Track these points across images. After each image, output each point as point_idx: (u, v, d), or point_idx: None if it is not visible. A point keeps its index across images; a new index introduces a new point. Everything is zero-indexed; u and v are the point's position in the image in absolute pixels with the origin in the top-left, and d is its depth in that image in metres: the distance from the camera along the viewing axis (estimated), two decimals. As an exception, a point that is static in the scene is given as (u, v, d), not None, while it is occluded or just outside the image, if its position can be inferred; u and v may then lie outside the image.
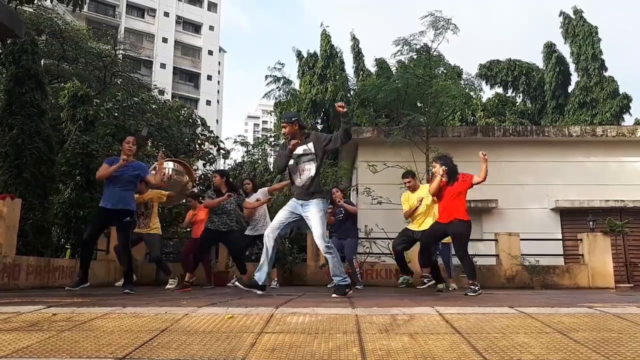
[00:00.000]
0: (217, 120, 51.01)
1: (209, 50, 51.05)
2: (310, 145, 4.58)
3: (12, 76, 9.05)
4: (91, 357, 2.02)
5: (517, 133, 13.39)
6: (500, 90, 24.70)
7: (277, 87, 20.39)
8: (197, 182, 11.97)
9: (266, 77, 20.23)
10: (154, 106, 14.30)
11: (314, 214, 4.46)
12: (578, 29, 22.36)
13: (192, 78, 50.23)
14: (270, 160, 22.26)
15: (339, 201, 7.51)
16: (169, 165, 7.81)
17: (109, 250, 8.55)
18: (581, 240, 9.95)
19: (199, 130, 14.74)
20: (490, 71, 24.57)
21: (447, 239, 6.09)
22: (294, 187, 4.67)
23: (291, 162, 4.61)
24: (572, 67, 22.97)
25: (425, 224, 6.12)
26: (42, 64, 11.39)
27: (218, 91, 55.47)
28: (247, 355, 2.04)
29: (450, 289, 7.08)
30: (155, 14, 47.61)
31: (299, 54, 22.75)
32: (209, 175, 12.52)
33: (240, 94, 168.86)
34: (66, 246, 9.93)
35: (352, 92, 18.92)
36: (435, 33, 12.16)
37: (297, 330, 2.41)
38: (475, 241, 11.70)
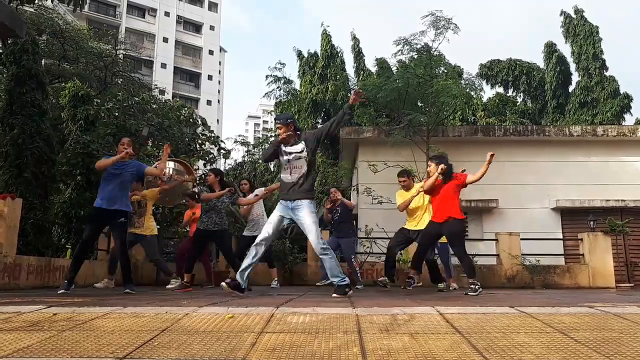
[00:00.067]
0: (217, 120, 51.03)
1: (209, 50, 51.06)
2: (302, 144, 4.60)
3: (13, 76, 9.05)
4: (92, 357, 2.02)
5: (518, 133, 13.38)
6: (500, 89, 24.69)
7: (278, 87, 20.38)
8: (197, 181, 11.97)
9: (267, 76, 20.21)
10: (154, 106, 14.30)
11: (306, 215, 4.45)
12: (579, 29, 22.33)
13: (193, 78, 50.24)
14: (271, 160, 22.18)
15: (339, 199, 7.55)
16: (170, 165, 7.81)
17: (109, 250, 8.54)
18: (582, 240, 9.95)
19: (199, 130, 14.74)
20: (491, 71, 24.54)
21: (445, 238, 6.09)
22: (283, 184, 4.66)
23: (283, 158, 4.63)
24: (572, 66, 22.95)
25: (422, 223, 6.13)
26: (42, 63, 11.38)
27: (219, 91, 55.49)
28: (247, 355, 2.04)
29: (451, 288, 7.08)
30: (156, 13, 47.62)
31: (299, 54, 22.74)
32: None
33: (241, 94, 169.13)
34: (67, 246, 9.93)
35: (352, 92, 18.89)
36: (436, 33, 12.18)
37: (297, 330, 2.41)
38: (476, 241, 11.73)
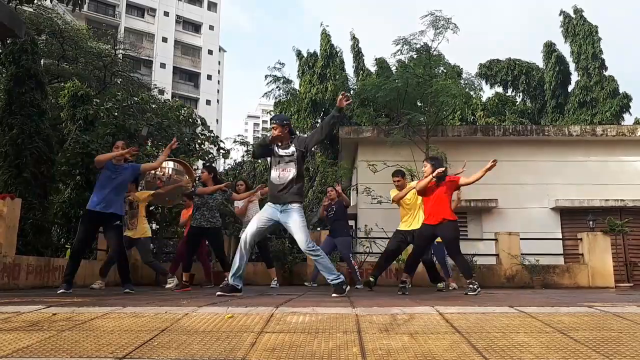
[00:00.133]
0: (217, 120, 51.02)
1: (208, 50, 51.04)
2: (293, 148, 4.62)
3: (12, 76, 9.05)
4: (91, 357, 2.02)
5: (517, 132, 13.39)
6: (500, 89, 24.71)
7: (277, 87, 20.34)
8: (197, 181, 11.96)
9: (266, 76, 20.17)
10: (153, 106, 14.28)
11: (295, 220, 4.46)
12: (578, 28, 22.34)
13: (192, 78, 50.23)
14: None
15: (339, 192, 7.54)
16: (170, 165, 7.81)
17: (109, 250, 8.54)
18: (581, 239, 9.95)
19: (198, 129, 14.71)
20: (490, 70, 24.56)
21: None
22: (271, 185, 4.65)
23: (274, 159, 4.65)
24: (572, 66, 22.98)
25: (417, 222, 6.12)
26: (42, 63, 11.39)
27: (218, 91, 55.47)
28: (247, 354, 2.03)
29: (450, 288, 7.09)
30: (155, 13, 47.60)
31: (298, 54, 22.72)
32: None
33: (240, 94, 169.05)
34: (66, 246, 9.93)
35: (352, 92, 18.87)
36: (435, 32, 12.18)
37: (297, 330, 2.40)
38: (475, 240, 11.73)
